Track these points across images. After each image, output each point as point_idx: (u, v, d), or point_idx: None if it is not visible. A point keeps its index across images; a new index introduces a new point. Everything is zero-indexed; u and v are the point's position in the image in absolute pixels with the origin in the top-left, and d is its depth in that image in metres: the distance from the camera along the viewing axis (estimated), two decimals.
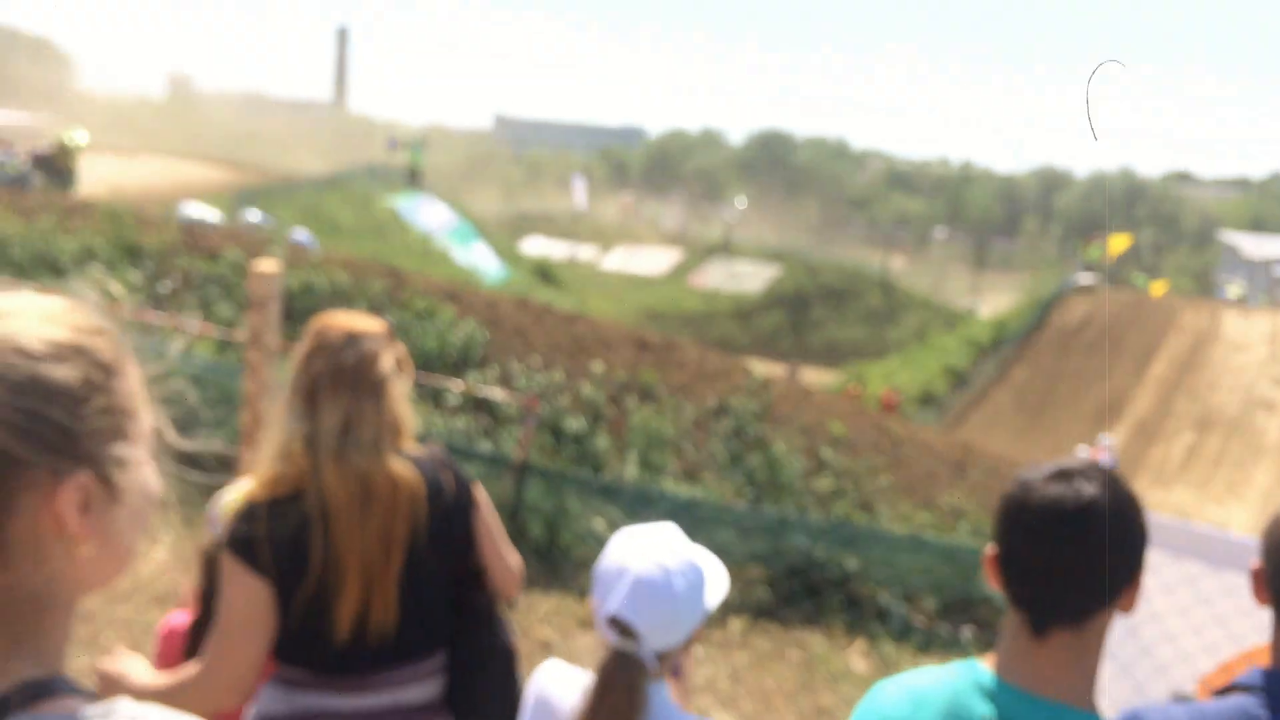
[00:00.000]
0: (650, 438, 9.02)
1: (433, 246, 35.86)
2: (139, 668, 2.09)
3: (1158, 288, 39.67)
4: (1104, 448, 15.95)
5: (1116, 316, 31.77)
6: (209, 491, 2.49)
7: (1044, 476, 1.52)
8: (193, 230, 12.81)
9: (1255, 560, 1.80)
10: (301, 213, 29.97)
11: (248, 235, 13.65)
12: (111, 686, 2.01)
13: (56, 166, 19.83)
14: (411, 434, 2.25)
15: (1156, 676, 3.09)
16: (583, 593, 6.45)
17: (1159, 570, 3.06)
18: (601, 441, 8.74)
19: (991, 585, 1.59)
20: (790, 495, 9.02)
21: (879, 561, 7.31)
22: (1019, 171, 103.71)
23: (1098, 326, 31.52)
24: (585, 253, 63.12)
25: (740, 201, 72.02)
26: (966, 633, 7.16)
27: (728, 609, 6.68)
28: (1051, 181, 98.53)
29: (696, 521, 6.96)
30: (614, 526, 6.89)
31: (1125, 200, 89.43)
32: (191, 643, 2.46)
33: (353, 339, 2.17)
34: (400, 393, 2.23)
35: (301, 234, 19.00)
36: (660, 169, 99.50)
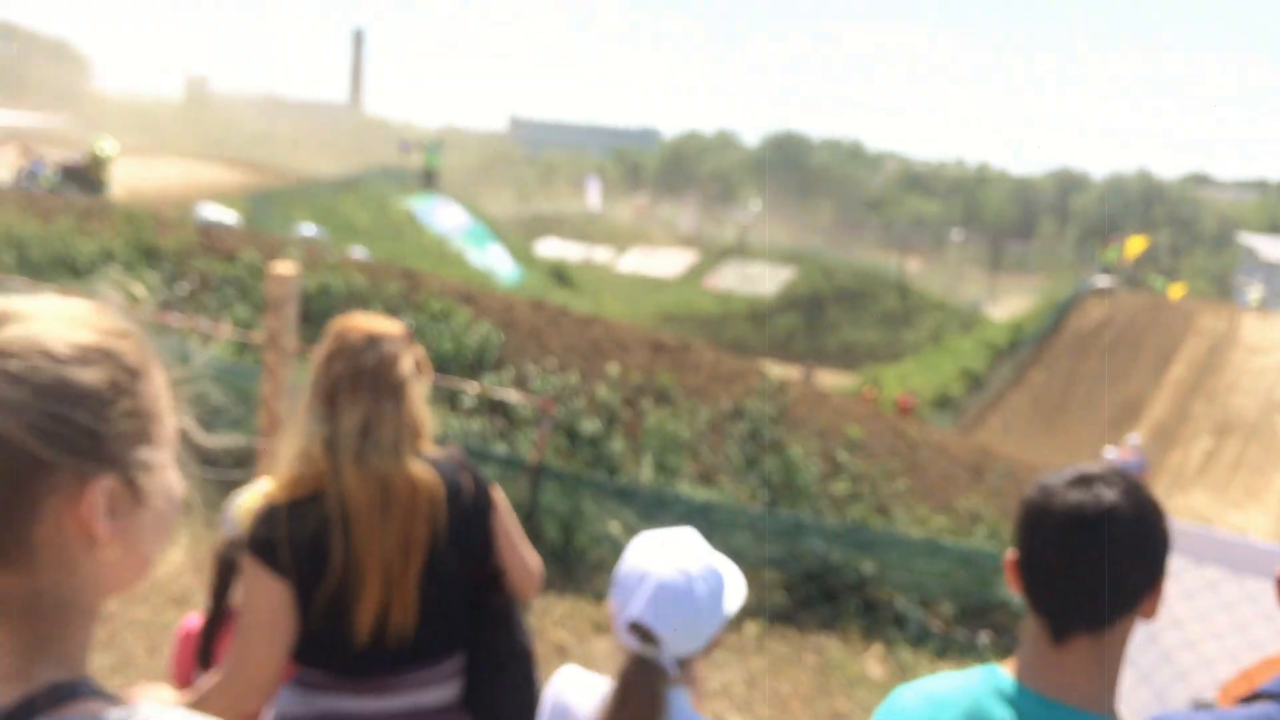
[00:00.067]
0: (665, 440, 9.01)
1: (448, 248, 35.93)
2: (164, 694, 2.10)
3: (1176, 290, 39.47)
4: (1132, 447, 15.85)
5: (1134, 319, 31.61)
6: (225, 493, 2.50)
7: (1065, 482, 1.52)
8: (210, 232, 12.87)
9: (1279, 567, 1.78)
10: (317, 214, 30.05)
11: (265, 237, 13.69)
12: None
13: (88, 177, 19.91)
14: (430, 436, 2.25)
15: (1177, 683, 3.07)
16: (598, 596, 6.44)
17: (1180, 576, 3.04)
18: (617, 444, 8.73)
19: (1012, 590, 1.59)
20: (806, 499, 8.99)
21: (895, 566, 7.28)
22: (1035, 173, 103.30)
23: (1115, 329, 31.35)
24: (600, 254, 63.14)
25: (755, 203, 71.97)
26: (984, 638, 7.12)
27: (743, 613, 6.66)
28: (1068, 183, 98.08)
29: (712, 525, 6.94)
30: (629, 529, 6.88)
31: (1142, 202, 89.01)
32: (204, 642, 2.47)
33: (372, 341, 2.17)
34: (419, 395, 2.23)
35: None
36: (675, 171, 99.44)
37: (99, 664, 4.17)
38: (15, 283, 7.73)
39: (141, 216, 12.55)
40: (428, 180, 41.06)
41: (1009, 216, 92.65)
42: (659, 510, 7.16)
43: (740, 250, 61.32)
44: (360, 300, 9.90)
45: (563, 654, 5.68)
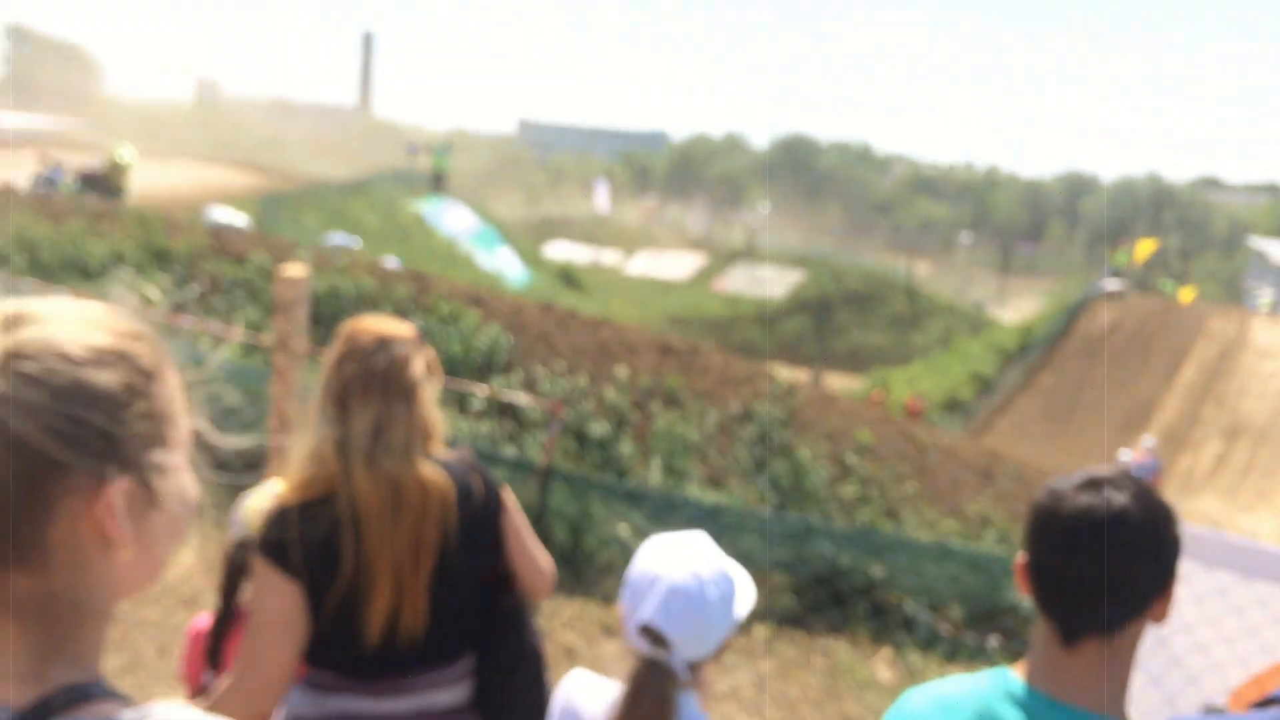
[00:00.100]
0: (674, 443, 9.01)
1: (457, 251, 35.98)
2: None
3: (1186, 294, 39.34)
4: (1147, 449, 15.79)
5: (1144, 323, 31.53)
6: (235, 494, 2.51)
7: (1074, 485, 1.52)
8: (220, 234, 12.91)
9: None
10: (327, 217, 30.13)
11: (274, 240, 13.73)
12: None
13: (106, 184, 19.95)
14: (441, 438, 2.26)
15: (1188, 688, 3.05)
16: (607, 598, 6.44)
17: (1190, 580, 3.02)
18: (626, 447, 8.73)
19: (1022, 593, 1.59)
20: (815, 502, 8.99)
21: (905, 569, 7.26)
22: (1044, 176, 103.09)
23: (1125, 333, 31.28)
24: (609, 257, 63.19)
25: (764, 206, 71.94)
26: (993, 642, 7.10)
27: (752, 616, 6.65)
28: (1078, 186, 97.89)
29: (721, 528, 6.93)
30: (638, 532, 6.87)
31: (1152, 205, 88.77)
32: (213, 643, 2.48)
33: (384, 343, 2.17)
34: (431, 397, 2.24)
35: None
36: (684, 173, 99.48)
37: (109, 665, 4.18)
38: (26, 285, 7.76)
39: (152, 219, 12.60)
40: (437, 183, 41.13)
41: (1018, 219, 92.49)
42: (668, 513, 7.15)
43: (749, 253, 61.32)
44: (370, 303, 9.92)
45: (571, 656, 5.68)
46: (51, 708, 0.89)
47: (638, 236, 67.88)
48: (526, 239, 50.46)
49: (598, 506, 7.16)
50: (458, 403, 8.44)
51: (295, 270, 4.10)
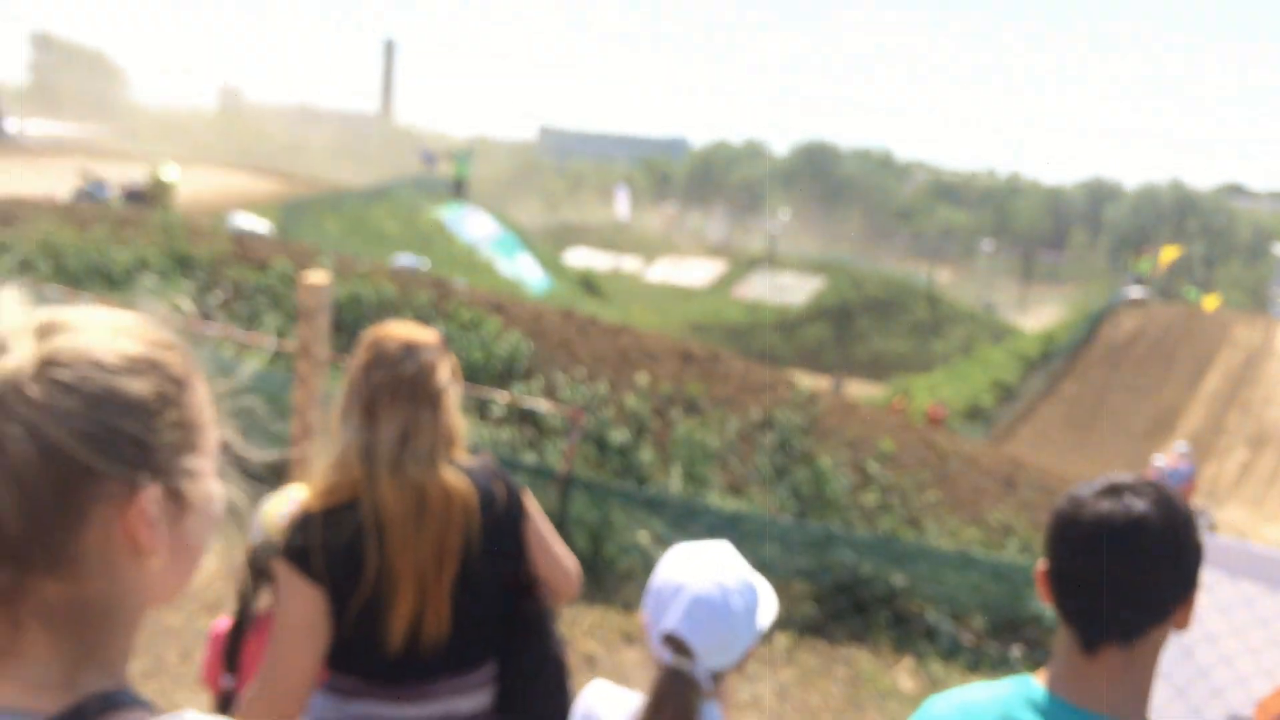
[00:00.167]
0: (695, 450, 9.00)
1: (478, 257, 36.07)
2: None
3: (1210, 302, 39.02)
4: (1181, 454, 15.68)
5: (1167, 330, 31.30)
6: (256, 500, 2.52)
7: (1095, 492, 1.53)
8: (242, 241, 12.98)
9: None
10: (348, 224, 30.27)
11: (297, 246, 13.80)
12: None
13: (150, 201, 20.05)
14: (464, 444, 2.26)
15: (1213, 700, 3.02)
16: (627, 606, 6.43)
17: (1215, 591, 3.00)
18: (646, 454, 8.73)
19: (1043, 600, 1.59)
20: (836, 510, 8.96)
21: (926, 578, 7.22)
22: (1067, 183, 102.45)
23: (1148, 341, 31.05)
24: (629, 264, 63.22)
25: (784, 213, 71.87)
26: (1015, 652, 7.05)
27: (773, 624, 6.63)
28: (1100, 193, 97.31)
29: (741, 536, 6.91)
30: (658, 539, 6.87)
31: (1176, 212, 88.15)
32: (231, 647, 2.49)
33: (411, 350, 2.18)
34: (455, 403, 2.25)
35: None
36: (704, 180, 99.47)
37: (132, 670, 4.20)
38: (52, 291, 7.82)
39: (175, 226, 12.69)
40: (457, 190, 41.24)
41: (1040, 226, 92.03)
42: (688, 521, 7.14)
43: (769, 260, 61.24)
44: (391, 309, 9.96)
45: (592, 664, 5.67)
46: (84, 716, 0.90)
47: (658, 243, 67.91)
48: (547, 245, 50.56)
49: (618, 514, 7.16)
50: (478, 409, 8.46)
51: (317, 277, 4.11)
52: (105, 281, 10.03)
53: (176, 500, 0.96)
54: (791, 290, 56.33)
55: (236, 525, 1.11)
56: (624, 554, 7.00)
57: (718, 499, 8.39)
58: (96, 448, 0.89)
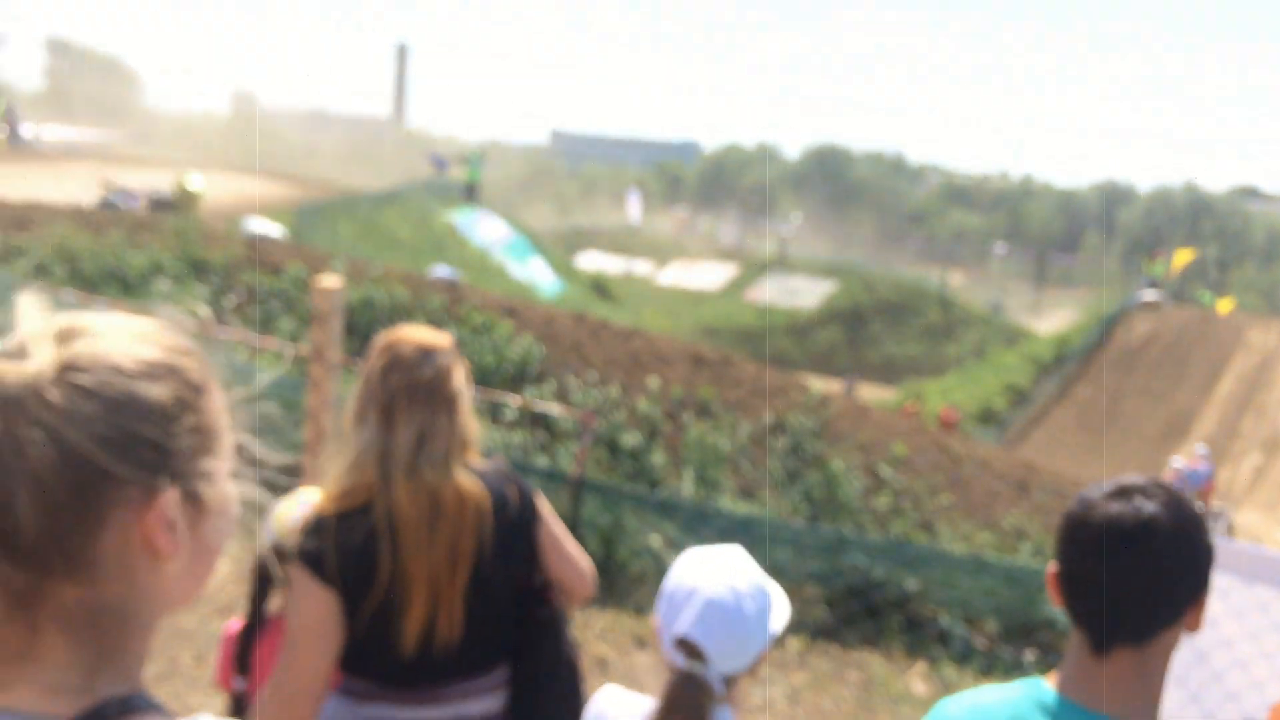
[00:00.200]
0: (707, 454, 9.00)
1: (490, 261, 36.11)
2: None
3: (1224, 305, 38.85)
4: (1201, 455, 15.64)
5: (1181, 334, 31.16)
6: (269, 503, 2.53)
7: (1105, 494, 1.53)
8: (256, 245, 13.03)
9: None
10: (361, 228, 30.34)
11: (310, 250, 13.85)
12: None
13: (177, 211, 20.07)
14: (477, 447, 2.27)
15: (1227, 704, 3.01)
16: (639, 609, 6.43)
17: (1230, 595, 2.99)
18: (658, 457, 8.73)
19: (1054, 602, 1.60)
20: (848, 514, 8.94)
21: (939, 582, 7.20)
22: (1080, 186, 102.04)
23: (1162, 344, 30.93)
24: (641, 268, 63.16)
25: (796, 216, 71.79)
26: (1029, 656, 7.03)
27: (786, 628, 6.62)
28: (1114, 196, 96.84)
29: (753, 539, 6.90)
30: (670, 543, 6.87)
31: (1190, 215, 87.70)
32: (241, 648, 2.50)
33: (427, 354, 2.19)
34: (469, 407, 2.25)
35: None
36: (715, 184, 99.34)
37: (146, 673, 4.21)
38: (67, 295, 7.86)
39: (190, 230, 12.74)
40: (469, 193, 41.28)
41: (1053, 230, 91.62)
42: (700, 524, 7.13)
43: (781, 263, 61.13)
44: (403, 313, 9.98)
45: (604, 667, 5.67)
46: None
47: (669, 246, 67.80)
48: (558, 249, 50.56)
49: (630, 517, 7.16)
50: (490, 413, 8.47)
51: (330, 281, 4.13)
52: (120, 286, 10.08)
53: (194, 504, 0.97)
54: (803, 293, 56.22)
55: (250, 528, 1.12)
56: (636, 557, 7.00)
57: (730, 502, 8.38)
58: (116, 452, 0.89)
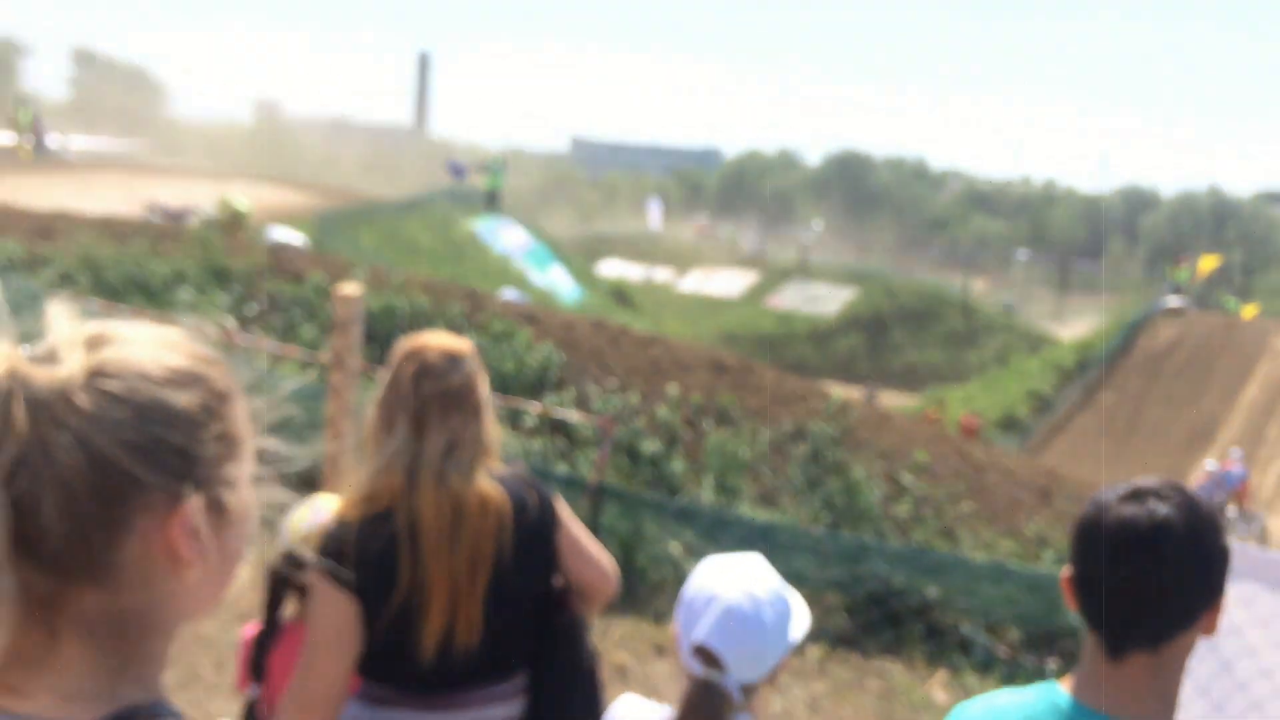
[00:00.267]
0: (727, 461, 8.98)
1: (510, 269, 36.21)
2: None
3: (1249, 310, 38.54)
4: (1235, 459, 15.55)
5: (1206, 340, 30.94)
6: (286, 510, 2.54)
7: (1118, 496, 1.52)
8: (278, 253, 13.11)
9: None
10: (382, 236, 30.49)
11: (332, 258, 13.92)
12: None
13: (228, 233, 20.12)
14: (499, 453, 2.28)
15: (1251, 713, 2.98)
16: (658, 616, 6.42)
17: (1254, 604, 2.96)
18: (678, 464, 8.72)
19: (1069, 606, 1.59)
20: (869, 521, 8.90)
21: (961, 590, 7.15)
22: (1103, 191, 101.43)
23: (1186, 350, 30.71)
24: (661, 275, 63.22)
25: (817, 223, 71.67)
26: (1051, 664, 6.98)
27: (805, 636, 6.59)
28: (1137, 201, 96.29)
29: (774, 547, 6.88)
30: (690, 550, 6.85)
31: (1214, 220, 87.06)
32: (256, 654, 2.51)
33: (455, 361, 2.20)
34: (492, 414, 2.26)
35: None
36: (736, 191, 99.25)
37: (166, 680, 4.23)
38: (91, 304, 7.93)
39: (213, 239, 12.84)
40: (490, 201, 41.40)
41: (1076, 235, 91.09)
42: (720, 531, 7.12)
43: (802, 270, 61.08)
44: (424, 320, 10.01)
45: (623, 674, 5.66)
46: None
47: (690, 253, 67.83)
48: (579, 256, 50.63)
49: (649, 524, 7.15)
50: (510, 420, 8.49)
51: (351, 289, 4.15)
52: (144, 294, 10.16)
53: (217, 511, 0.97)
54: (824, 300, 56.15)
55: (269, 534, 1.12)
56: (655, 565, 6.99)
57: (749, 510, 8.36)
58: (142, 458, 0.90)
